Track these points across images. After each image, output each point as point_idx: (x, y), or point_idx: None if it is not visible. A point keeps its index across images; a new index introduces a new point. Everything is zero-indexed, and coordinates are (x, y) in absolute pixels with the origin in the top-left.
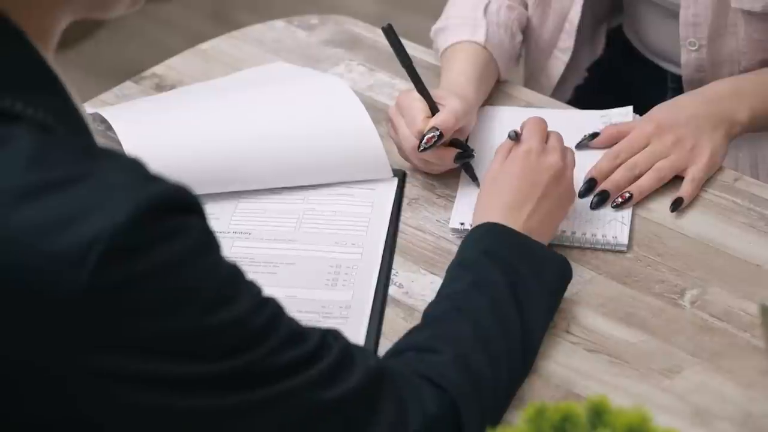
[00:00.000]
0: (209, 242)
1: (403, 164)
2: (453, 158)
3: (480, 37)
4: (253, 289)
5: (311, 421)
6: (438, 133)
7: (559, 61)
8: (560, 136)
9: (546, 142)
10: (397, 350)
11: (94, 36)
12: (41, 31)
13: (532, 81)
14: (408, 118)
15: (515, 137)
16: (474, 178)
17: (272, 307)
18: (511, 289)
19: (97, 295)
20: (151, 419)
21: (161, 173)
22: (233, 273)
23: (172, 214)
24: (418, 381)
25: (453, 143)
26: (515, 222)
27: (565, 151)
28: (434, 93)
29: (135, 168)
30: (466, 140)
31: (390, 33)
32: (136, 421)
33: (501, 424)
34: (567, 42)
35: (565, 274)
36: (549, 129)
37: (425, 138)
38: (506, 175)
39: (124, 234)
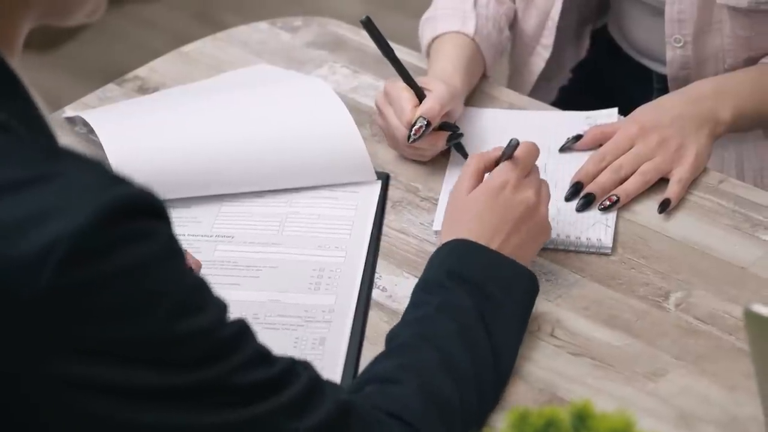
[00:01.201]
0: (174, 249)
1: (387, 167)
2: (444, 142)
3: (469, 29)
4: (220, 303)
5: None
6: (426, 122)
7: (539, 58)
8: (538, 169)
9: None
10: (361, 382)
11: (78, 37)
12: (1, 36)
13: (515, 75)
14: (396, 108)
15: (512, 151)
16: (466, 156)
17: (240, 325)
18: (478, 311)
19: (58, 298)
20: (113, 431)
21: (127, 176)
22: (199, 284)
23: (136, 218)
24: (383, 417)
25: (442, 126)
26: None
27: (540, 185)
28: (420, 80)
29: (98, 170)
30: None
31: (369, 25)
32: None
33: (485, 428)
34: (548, 39)
35: (533, 289)
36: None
37: (414, 129)
38: (477, 204)
39: (86, 236)
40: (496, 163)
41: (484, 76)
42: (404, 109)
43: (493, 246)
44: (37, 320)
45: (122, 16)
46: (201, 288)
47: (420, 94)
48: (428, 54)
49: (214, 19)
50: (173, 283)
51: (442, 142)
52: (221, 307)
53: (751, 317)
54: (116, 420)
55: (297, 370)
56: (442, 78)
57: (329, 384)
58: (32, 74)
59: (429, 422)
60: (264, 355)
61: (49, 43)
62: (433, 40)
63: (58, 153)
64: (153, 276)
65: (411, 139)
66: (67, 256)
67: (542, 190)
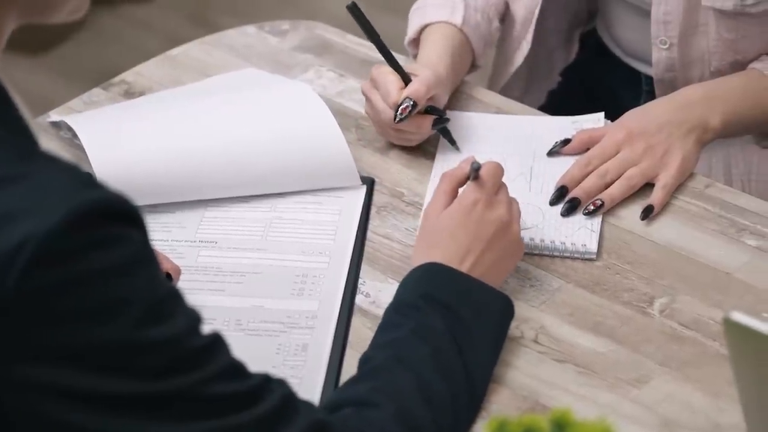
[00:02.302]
0: (146, 256)
1: (372, 171)
2: (430, 126)
3: (457, 19)
4: (193, 314)
5: None
6: (412, 102)
7: (521, 54)
8: (506, 187)
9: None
10: (336, 404)
11: (72, 39)
12: None
13: (498, 69)
14: (382, 91)
15: (476, 173)
16: (452, 142)
17: (212, 337)
18: (451, 334)
19: (25, 300)
20: None
21: (101, 180)
22: (171, 293)
23: (107, 223)
24: None
25: (428, 111)
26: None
27: (511, 203)
28: (406, 66)
29: (72, 173)
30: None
31: (356, 11)
32: None
33: None
34: (529, 35)
35: (508, 313)
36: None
37: (400, 108)
38: (448, 224)
39: (55, 238)
40: (467, 179)
41: (473, 66)
42: (390, 91)
43: (467, 264)
44: (6, 323)
45: (116, 17)
46: (172, 297)
47: (406, 79)
48: (416, 43)
49: (209, 21)
50: (143, 290)
51: (427, 126)
52: (194, 317)
53: (730, 325)
54: (81, 426)
55: (271, 386)
56: (428, 66)
57: (304, 403)
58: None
59: None
60: (238, 368)
61: (42, 46)
62: (422, 29)
63: (33, 155)
64: (122, 282)
65: (397, 119)
66: (35, 257)
67: (513, 207)
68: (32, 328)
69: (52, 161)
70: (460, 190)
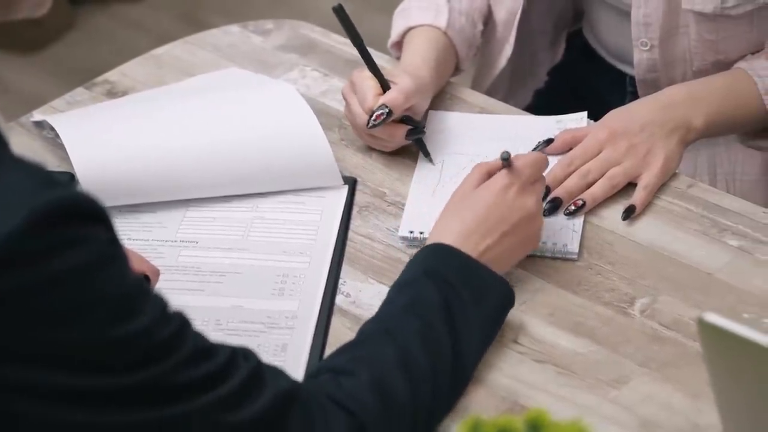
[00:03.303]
0: (114, 253)
1: (355, 171)
2: (404, 135)
3: (441, 22)
4: (158, 302)
5: None
6: (387, 110)
7: (504, 56)
8: (545, 181)
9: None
10: (316, 372)
11: (63, 39)
12: None
13: (482, 71)
14: (360, 95)
15: (507, 161)
16: (426, 154)
17: (179, 321)
18: (446, 311)
19: None
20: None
21: (64, 180)
22: (139, 285)
23: (70, 223)
24: (329, 405)
25: (404, 120)
26: (471, 248)
27: (540, 197)
28: (387, 71)
29: (36, 174)
30: (425, 119)
31: (341, 13)
32: None
33: None
34: (512, 36)
35: (507, 303)
36: (521, 154)
37: (374, 115)
38: (477, 201)
39: (17, 241)
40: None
41: (457, 70)
42: (367, 97)
43: (486, 242)
44: None
45: (108, 17)
46: (139, 290)
47: (385, 85)
48: (399, 46)
49: (200, 20)
50: (109, 288)
51: (401, 135)
52: (160, 305)
53: (704, 326)
54: (52, 422)
55: (237, 361)
56: (411, 71)
57: (272, 372)
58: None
59: (374, 416)
60: (204, 350)
61: (34, 45)
62: (406, 32)
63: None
64: (88, 281)
65: (370, 125)
66: None
67: (541, 202)
68: (1, 330)
69: (16, 162)
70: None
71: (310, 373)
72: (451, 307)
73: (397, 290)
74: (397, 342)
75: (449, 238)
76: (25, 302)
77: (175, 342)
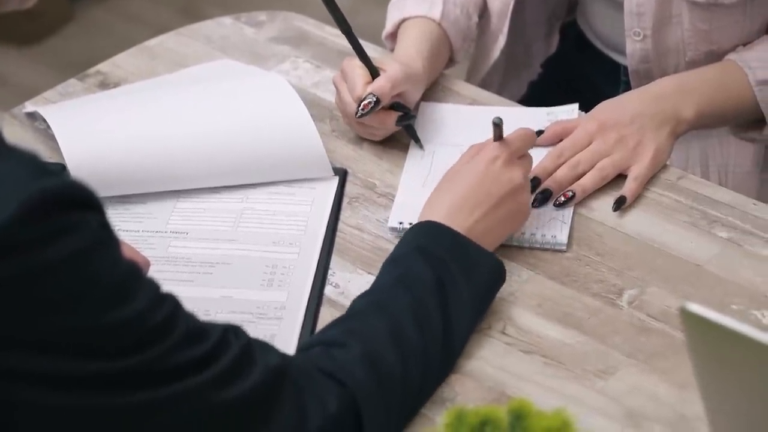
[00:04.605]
0: (106, 239)
1: (345, 162)
2: (394, 122)
3: (436, 14)
4: (151, 286)
5: (207, 420)
6: (375, 99)
7: (498, 47)
8: (532, 159)
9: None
10: (309, 344)
11: (61, 32)
12: None
13: (477, 58)
14: (349, 84)
15: (499, 126)
16: (417, 140)
17: (171, 304)
18: (437, 286)
19: None
20: (52, 419)
21: (55, 168)
22: (131, 270)
23: (65, 210)
24: (320, 378)
25: (394, 107)
26: (460, 224)
27: (529, 171)
28: (378, 60)
29: (29, 163)
30: (416, 109)
31: (329, 2)
32: (39, 421)
33: (425, 426)
34: (505, 27)
35: (498, 278)
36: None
37: (362, 104)
38: (466, 175)
39: (11, 230)
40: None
41: (451, 61)
42: (356, 84)
43: (475, 216)
44: None
45: (107, 10)
46: (132, 275)
47: (374, 73)
48: (393, 37)
49: (199, 13)
50: (103, 274)
51: (391, 122)
52: (153, 288)
53: (687, 316)
54: (46, 407)
55: (228, 339)
56: (404, 60)
57: (262, 348)
58: (15, 68)
59: (365, 387)
60: (196, 331)
61: (32, 37)
62: (400, 23)
63: None
64: (81, 269)
65: (358, 114)
66: None
67: (528, 177)
68: None
69: (10, 151)
70: None
71: (301, 346)
72: (442, 283)
73: (389, 265)
74: (388, 315)
75: (439, 215)
76: (20, 290)
77: (169, 325)
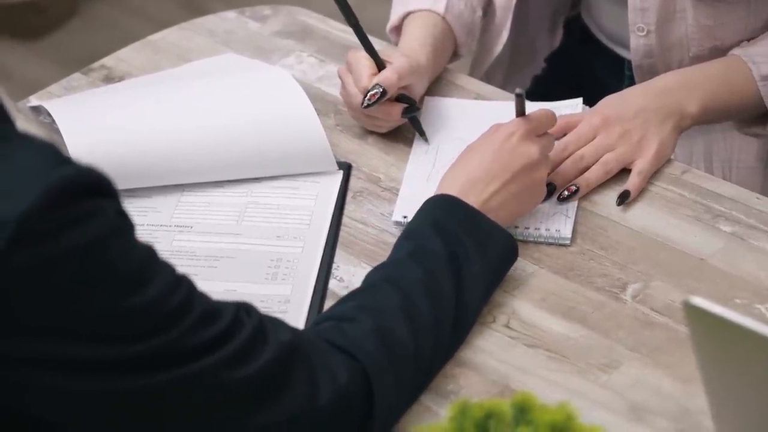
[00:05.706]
0: (123, 225)
1: (350, 156)
2: (400, 114)
3: (440, 8)
4: (167, 269)
5: (221, 399)
6: (381, 89)
7: (501, 41)
8: (553, 140)
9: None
10: (320, 319)
11: (65, 26)
12: None
13: (481, 53)
14: (355, 75)
15: (521, 96)
16: (422, 133)
17: (186, 286)
18: (450, 260)
19: (5, 280)
20: (73, 403)
21: (72, 157)
22: (147, 255)
23: (83, 198)
24: (331, 352)
25: (399, 99)
26: (475, 197)
27: (548, 149)
28: (383, 52)
29: (47, 152)
30: (421, 103)
31: None
32: (60, 405)
33: (429, 419)
34: (509, 22)
35: (510, 252)
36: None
37: (368, 95)
38: (482, 149)
39: (33, 218)
40: None
41: (455, 55)
42: (361, 75)
43: (490, 189)
44: None
45: (110, 5)
46: (149, 259)
47: (380, 65)
48: (398, 30)
49: (203, 7)
50: (122, 260)
51: (397, 114)
52: (169, 272)
53: (690, 309)
54: (63, 392)
55: (241, 318)
56: (408, 54)
57: (273, 325)
58: (19, 63)
59: (377, 361)
60: (210, 312)
61: (37, 32)
62: (405, 16)
63: (8, 136)
64: (102, 255)
65: (364, 104)
66: (13, 238)
67: (548, 157)
68: (17, 306)
69: (27, 141)
70: None
71: (314, 321)
72: (455, 256)
73: (403, 240)
74: (400, 290)
75: (454, 189)
76: (41, 278)
77: (185, 308)
